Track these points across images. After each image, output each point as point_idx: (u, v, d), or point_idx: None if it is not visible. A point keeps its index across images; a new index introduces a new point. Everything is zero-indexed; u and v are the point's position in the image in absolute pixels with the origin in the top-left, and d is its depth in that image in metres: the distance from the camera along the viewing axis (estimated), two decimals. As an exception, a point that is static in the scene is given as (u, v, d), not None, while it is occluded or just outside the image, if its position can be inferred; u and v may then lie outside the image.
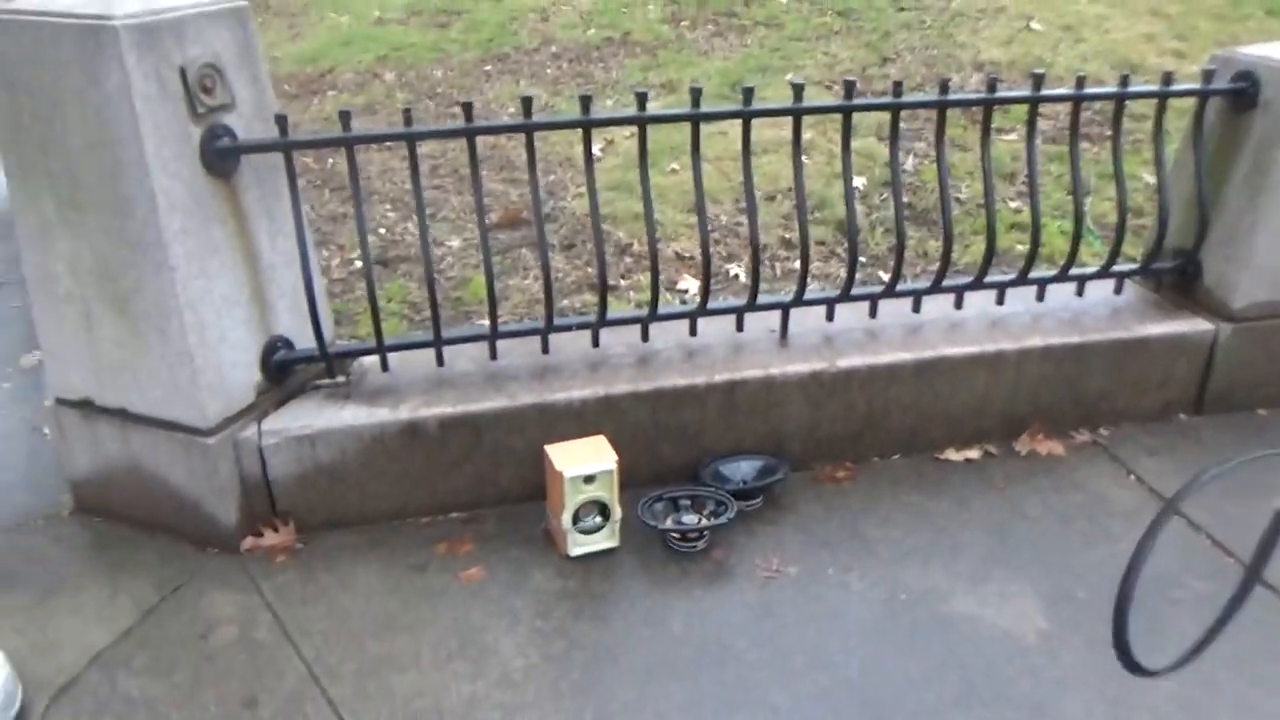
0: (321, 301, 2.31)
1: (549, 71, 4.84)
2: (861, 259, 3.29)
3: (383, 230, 3.44)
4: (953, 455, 2.67)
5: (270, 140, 2.15)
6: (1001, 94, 2.51)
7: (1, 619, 2.08)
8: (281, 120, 2.12)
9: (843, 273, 3.13)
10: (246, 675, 1.95)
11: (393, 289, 3.01)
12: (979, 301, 2.76)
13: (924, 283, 2.75)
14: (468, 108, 2.20)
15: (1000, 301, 2.76)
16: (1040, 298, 2.77)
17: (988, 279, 2.69)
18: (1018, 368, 2.63)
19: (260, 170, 2.21)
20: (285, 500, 2.32)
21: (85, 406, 2.28)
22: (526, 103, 2.23)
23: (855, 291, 2.64)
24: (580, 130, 2.32)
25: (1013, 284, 2.73)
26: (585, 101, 2.26)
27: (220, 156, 2.08)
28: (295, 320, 2.35)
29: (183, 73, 1.97)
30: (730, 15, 5.26)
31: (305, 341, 2.36)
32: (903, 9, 5.08)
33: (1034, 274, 2.71)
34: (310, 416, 2.29)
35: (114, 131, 1.92)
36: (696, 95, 2.30)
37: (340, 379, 2.43)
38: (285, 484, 2.30)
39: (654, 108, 4.20)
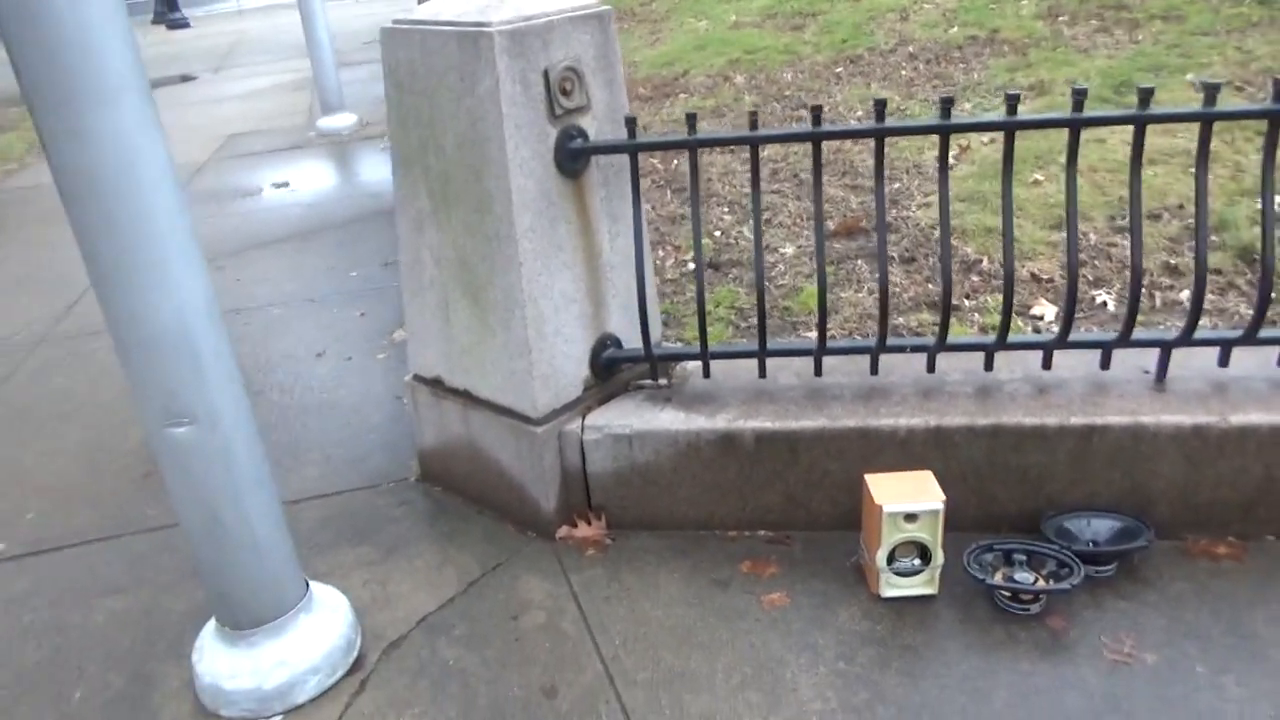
0: (651, 304, 2.32)
1: (903, 73, 4.59)
2: (1272, 295, 2.74)
3: (717, 233, 3.43)
4: (1382, 548, 2.14)
5: (619, 142, 2.18)
6: None
7: (353, 569, 2.32)
8: (630, 123, 2.14)
9: (1242, 308, 2.64)
10: (549, 664, 2.00)
11: (721, 294, 2.98)
12: None
13: (1360, 330, 2.22)
14: (816, 111, 2.09)
15: None
16: None
17: None
18: None
19: (607, 171, 2.26)
20: (600, 495, 2.37)
21: (436, 385, 2.47)
22: (879, 106, 2.07)
23: (1264, 334, 2.19)
24: (935, 136, 2.12)
25: None
26: (946, 105, 2.05)
27: (572, 157, 2.15)
28: (624, 319, 2.38)
29: (546, 75, 2.05)
30: (1119, 8, 4.67)
31: (632, 341, 2.39)
32: (1350, -7, 4.21)
33: None
34: (630, 416, 2.31)
35: (482, 131, 2.04)
36: (1080, 97, 2.00)
37: (662, 381, 2.43)
38: (601, 479, 2.34)
39: (1022, 111, 3.84)
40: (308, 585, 2.02)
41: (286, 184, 5.90)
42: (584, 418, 2.32)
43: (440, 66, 2.04)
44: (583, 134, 2.15)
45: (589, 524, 2.37)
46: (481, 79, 1.98)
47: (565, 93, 2.08)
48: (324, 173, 6.22)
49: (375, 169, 6.12)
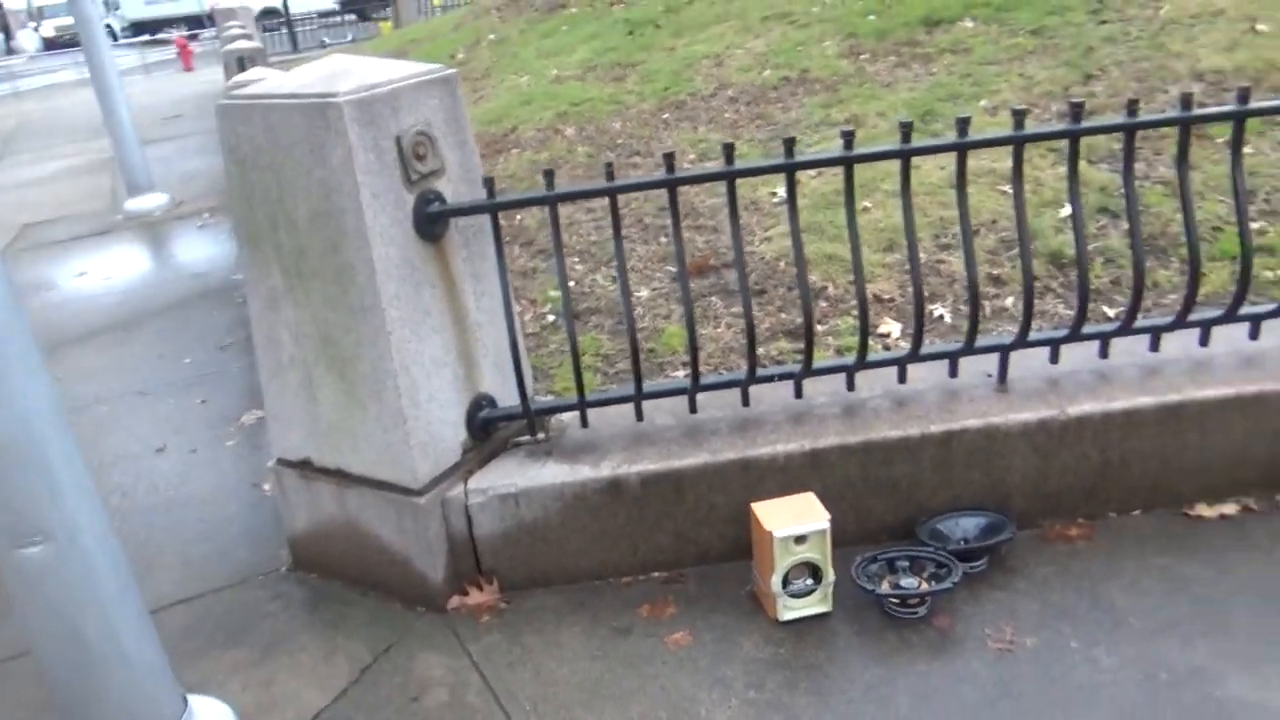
0: (524, 360, 2.31)
1: (727, 115, 4.79)
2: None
3: (572, 283, 3.45)
4: (1205, 511, 2.37)
5: (479, 203, 2.17)
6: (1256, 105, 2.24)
7: (229, 675, 2.16)
8: (489, 183, 2.14)
9: (1060, 309, 2.89)
10: (460, 741, 1.93)
11: (585, 342, 3.00)
12: (1226, 337, 2.46)
13: (1159, 317, 2.48)
14: (669, 159, 2.16)
15: (1254, 336, 2.44)
16: (1304, 331, 2.44)
17: (1241, 311, 2.39)
18: (1283, 412, 2.31)
19: (467, 233, 2.24)
20: (489, 559, 2.32)
21: (304, 467, 2.36)
22: (728, 150, 2.17)
23: (1086, 330, 2.40)
24: (779, 174, 2.23)
25: (1272, 315, 2.41)
26: (789, 145, 2.18)
27: (431, 221, 2.12)
28: (497, 378, 2.36)
29: (398, 142, 2.02)
30: (912, 44, 5.06)
31: (506, 399, 2.37)
32: (1104, 22, 4.72)
33: (1299, 305, 2.39)
34: (514, 475, 2.28)
35: (337, 203, 1.99)
36: (907, 130, 2.16)
37: (541, 436, 2.42)
38: (490, 542, 2.30)
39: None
40: (185, 700, 1.87)
41: (85, 274, 5.50)
42: (466, 482, 2.27)
43: (286, 141, 1.98)
44: (440, 197, 2.14)
45: (481, 590, 2.31)
46: (333, 150, 1.93)
47: (419, 157, 2.06)
48: (139, 257, 5.86)
49: (195, 248, 5.82)
